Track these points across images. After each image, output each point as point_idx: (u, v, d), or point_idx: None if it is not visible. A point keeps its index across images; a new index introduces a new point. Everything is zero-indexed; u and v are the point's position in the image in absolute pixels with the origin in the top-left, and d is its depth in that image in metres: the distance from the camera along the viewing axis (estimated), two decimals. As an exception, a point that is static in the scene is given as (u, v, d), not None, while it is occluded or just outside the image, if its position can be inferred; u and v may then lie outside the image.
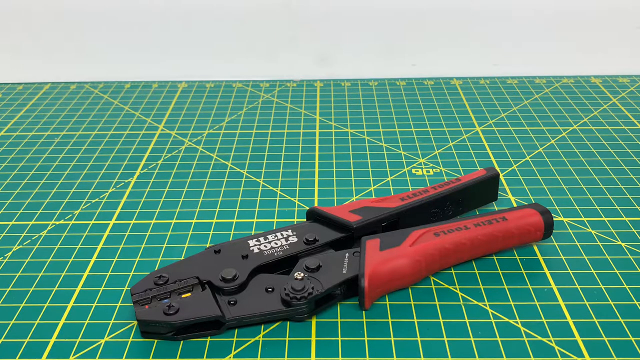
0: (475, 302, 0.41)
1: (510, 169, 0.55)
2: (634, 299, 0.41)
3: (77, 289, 0.43)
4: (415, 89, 0.72)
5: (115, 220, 0.50)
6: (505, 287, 0.42)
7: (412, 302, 0.41)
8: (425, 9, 0.79)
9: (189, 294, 0.39)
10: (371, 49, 0.80)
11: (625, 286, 0.42)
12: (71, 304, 0.41)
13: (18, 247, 0.47)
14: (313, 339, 0.38)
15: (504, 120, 0.64)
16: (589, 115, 0.65)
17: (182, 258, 0.45)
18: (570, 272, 0.43)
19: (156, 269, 0.44)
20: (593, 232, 0.47)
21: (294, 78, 0.76)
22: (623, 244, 0.46)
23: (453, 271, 0.43)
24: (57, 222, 0.50)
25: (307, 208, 0.49)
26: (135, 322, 0.39)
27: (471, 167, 0.56)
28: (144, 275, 0.43)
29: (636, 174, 0.54)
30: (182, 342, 0.38)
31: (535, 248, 0.46)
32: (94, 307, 0.41)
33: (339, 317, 0.40)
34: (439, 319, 0.39)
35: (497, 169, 0.55)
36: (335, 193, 0.53)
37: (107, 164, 0.58)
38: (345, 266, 0.41)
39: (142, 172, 0.56)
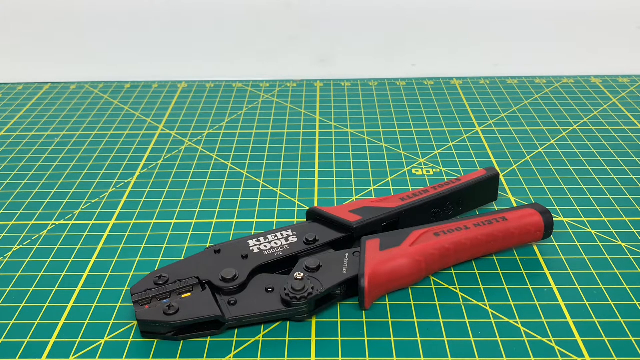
0: (475, 302, 0.41)
1: (510, 169, 0.55)
2: (634, 299, 0.41)
3: (77, 289, 0.43)
4: (415, 89, 0.72)
5: (115, 220, 0.50)
6: (505, 287, 0.42)
7: (412, 302, 0.41)
8: (425, 9, 0.79)
9: (188, 294, 0.39)
10: (371, 49, 0.80)
11: (625, 286, 0.42)
12: (71, 304, 0.41)
13: (18, 247, 0.47)
14: (313, 339, 0.38)
15: (504, 120, 0.64)
16: (589, 115, 0.65)
17: (182, 258, 0.45)
18: (570, 272, 0.43)
19: (156, 269, 0.44)
20: (593, 232, 0.47)
21: (294, 78, 0.76)
22: (623, 244, 0.46)
23: (453, 271, 0.43)
24: (57, 222, 0.50)
25: (307, 208, 0.49)
26: (135, 322, 0.39)
27: (471, 167, 0.56)
28: (144, 275, 0.43)
29: (636, 174, 0.54)
30: (182, 342, 0.38)
31: (535, 248, 0.46)
32: (94, 307, 0.41)
33: (339, 317, 0.40)
34: (439, 319, 0.39)
35: (497, 169, 0.55)
36: (335, 193, 0.53)
37: (107, 164, 0.58)
38: (345, 266, 0.41)
39: (142, 172, 0.56)
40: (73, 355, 0.37)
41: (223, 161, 0.58)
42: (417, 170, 0.56)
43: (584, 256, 0.45)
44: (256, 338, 0.38)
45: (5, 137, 0.63)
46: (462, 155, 0.58)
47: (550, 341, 0.38)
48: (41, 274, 0.44)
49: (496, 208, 0.50)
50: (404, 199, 0.45)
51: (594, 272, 0.43)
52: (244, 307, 0.39)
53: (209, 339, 0.38)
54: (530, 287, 0.42)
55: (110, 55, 0.80)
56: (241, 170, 0.56)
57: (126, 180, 0.55)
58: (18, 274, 0.44)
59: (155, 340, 0.38)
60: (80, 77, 0.77)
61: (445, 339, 0.38)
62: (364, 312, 0.40)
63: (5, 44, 0.81)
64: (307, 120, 0.65)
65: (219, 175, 0.56)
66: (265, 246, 0.43)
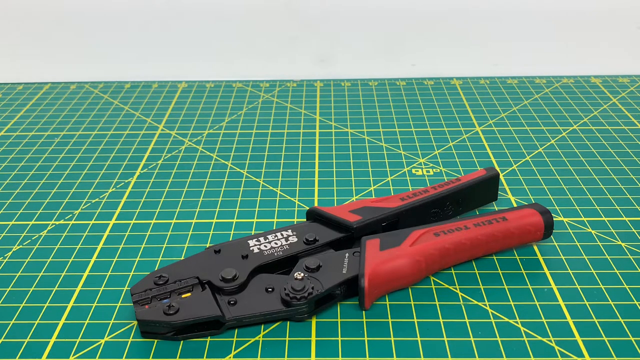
0: (475, 302, 0.41)
1: (510, 169, 0.55)
2: (634, 299, 0.41)
3: (77, 289, 0.43)
4: (415, 89, 0.72)
5: (115, 220, 0.50)
6: (505, 287, 0.42)
7: (412, 302, 0.41)
8: (425, 9, 0.79)
9: (189, 294, 0.39)
10: (371, 49, 0.80)
11: (625, 286, 0.42)
12: (71, 304, 0.41)
13: (18, 247, 0.47)
14: (313, 339, 0.38)
15: (504, 120, 0.64)
16: (589, 115, 0.65)
17: (182, 258, 0.45)
18: (570, 272, 0.43)
19: (156, 269, 0.44)
20: (593, 232, 0.47)
21: (294, 78, 0.76)
22: (623, 244, 0.46)
23: (453, 271, 0.43)
24: (57, 222, 0.50)
25: (307, 208, 0.49)
26: (135, 322, 0.39)
27: (471, 167, 0.56)
28: (144, 275, 0.43)
29: (636, 174, 0.54)
30: (182, 342, 0.38)
31: (535, 248, 0.46)
32: (94, 307, 0.41)
33: (339, 317, 0.40)
34: (439, 319, 0.39)
35: (497, 169, 0.55)
36: (335, 193, 0.53)
37: (107, 164, 0.58)
38: (345, 266, 0.41)
39: (142, 172, 0.56)
40: (73, 355, 0.37)
41: (223, 161, 0.58)
42: (417, 170, 0.56)
43: (584, 256, 0.45)
44: (256, 338, 0.38)
45: (5, 137, 0.63)
46: (462, 155, 0.58)
47: (550, 341, 0.38)
48: (41, 274, 0.44)
49: (496, 208, 0.50)
50: (404, 199, 0.45)
51: (594, 272, 0.43)
52: (244, 307, 0.39)
53: (209, 339, 0.38)
54: (530, 287, 0.42)
55: (110, 55, 0.80)
56: (241, 170, 0.56)
57: (126, 180, 0.55)
58: (18, 274, 0.44)
59: (155, 340, 0.38)
60: (80, 77, 0.77)
61: (445, 339, 0.38)
62: (364, 312, 0.40)
63: (5, 44, 0.81)
64: (307, 120, 0.65)
65: (219, 175, 0.56)
66: (265, 246, 0.43)
